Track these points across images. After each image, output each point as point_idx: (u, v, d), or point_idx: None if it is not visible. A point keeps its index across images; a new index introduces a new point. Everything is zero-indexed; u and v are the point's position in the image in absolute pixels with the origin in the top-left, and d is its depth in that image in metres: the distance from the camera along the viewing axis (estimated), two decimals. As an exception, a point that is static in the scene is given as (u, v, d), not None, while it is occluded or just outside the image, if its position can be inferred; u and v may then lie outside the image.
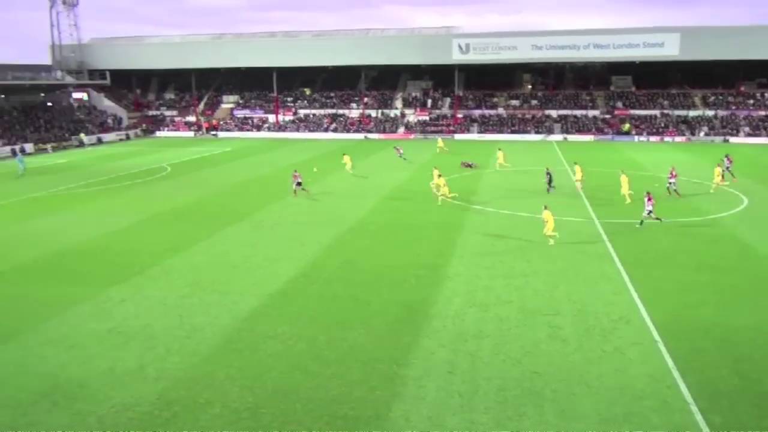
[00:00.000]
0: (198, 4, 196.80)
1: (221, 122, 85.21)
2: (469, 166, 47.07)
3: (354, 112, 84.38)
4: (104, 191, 38.87)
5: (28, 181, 43.45)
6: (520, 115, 78.72)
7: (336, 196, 35.64)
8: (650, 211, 26.36)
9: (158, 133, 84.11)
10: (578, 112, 77.71)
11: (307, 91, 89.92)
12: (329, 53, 79.47)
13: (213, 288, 19.83)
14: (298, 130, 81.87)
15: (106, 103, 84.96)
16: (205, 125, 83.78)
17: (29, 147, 64.46)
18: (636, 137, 70.55)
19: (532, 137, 73.41)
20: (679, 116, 74.05)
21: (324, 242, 25.35)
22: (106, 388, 13.34)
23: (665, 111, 75.33)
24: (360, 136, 77.54)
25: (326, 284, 20.22)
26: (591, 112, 77.45)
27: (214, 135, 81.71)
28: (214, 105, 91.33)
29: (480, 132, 76.12)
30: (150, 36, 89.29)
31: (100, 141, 73.91)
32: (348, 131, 79.83)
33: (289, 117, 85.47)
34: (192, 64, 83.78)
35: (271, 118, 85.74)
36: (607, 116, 76.33)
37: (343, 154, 45.40)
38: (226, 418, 12.13)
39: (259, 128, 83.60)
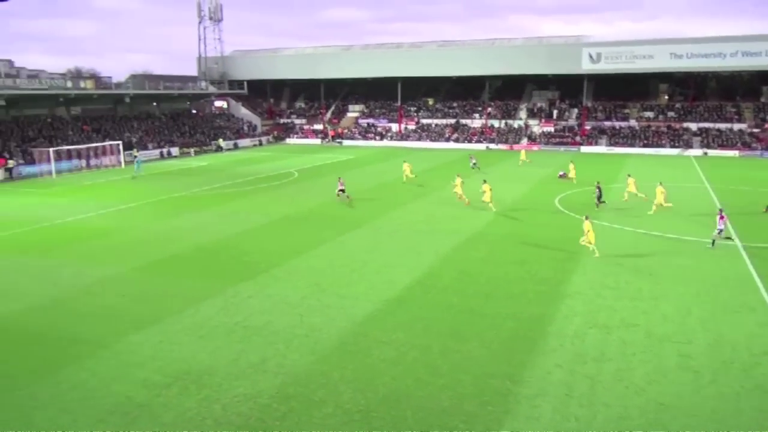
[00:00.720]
0: (328, 18, 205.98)
1: (346, 130, 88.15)
2: (564, 175, 46.03)
3: (476, 122, 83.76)
4: (238, 193, 41.60)
5: (172, 181, 47.54)
6: (654, 128, 74.03)
7: (455, 207, 35.48)
8: (721, 230, 24.88)
9: (288, 140, 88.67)
10: (722, 126, 71.60)
11: (430, 101, 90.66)
12: (454, 63, 79.65)
13: (331, 290, 20.49)
14: (419, 139, 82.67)
15: (243, 111, 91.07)
16: (331, 133, 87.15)
17: (175, 150, 70.59)
18: (790, 153, 63.82)
19: (668, 151, 68.66)
20: (844, 131, 66.05)
21: (441, 251, 25.33)
22: (230, 377, 14.20)
23: (827, 125, 67.50)
24: (481, 146, 76.78)
25: (441, 294, 20.18)
26: (737, 126, 71.05)
27: (339, 142, 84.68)
28: (340, 114, 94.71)
29: (609, 145, 72.47)
30: (284, 48, 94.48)
31: (236, 146, 79.27)
32: (469, 141, 79.37)
33: (411, 126, 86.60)
34: (321, 74, 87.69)
35: (394, 127, 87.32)
36: (756, 130, 69.59)
37: (404, 161, 47.31)
38: (339, 418, 12.44)
39: (382, 137, 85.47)
